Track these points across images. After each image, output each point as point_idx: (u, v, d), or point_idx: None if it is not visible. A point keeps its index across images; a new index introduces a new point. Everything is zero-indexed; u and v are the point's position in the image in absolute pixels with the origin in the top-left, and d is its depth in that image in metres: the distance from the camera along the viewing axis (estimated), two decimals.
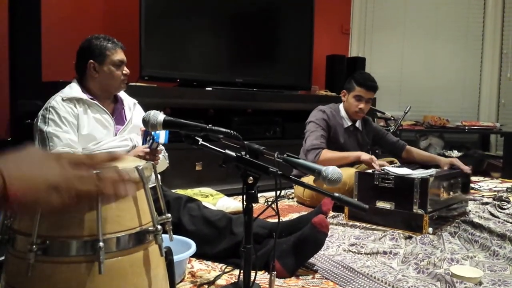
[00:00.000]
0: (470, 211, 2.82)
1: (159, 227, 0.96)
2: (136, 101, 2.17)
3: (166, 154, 2.16)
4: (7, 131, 2.86)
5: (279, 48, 4.10)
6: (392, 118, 4.03)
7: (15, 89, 2.65)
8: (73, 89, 1.97)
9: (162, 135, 1.75)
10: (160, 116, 1.34)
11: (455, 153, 4.71)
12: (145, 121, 1.34)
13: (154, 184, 1.09)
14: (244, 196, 1.37)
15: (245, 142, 1.43)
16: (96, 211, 0.87)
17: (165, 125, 1.33)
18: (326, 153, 2.89)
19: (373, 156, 2.82)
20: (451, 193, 2.62)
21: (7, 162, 0.65)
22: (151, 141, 1.76)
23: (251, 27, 3.86)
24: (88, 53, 1.97)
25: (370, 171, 2.62)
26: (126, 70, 2.01)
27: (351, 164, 3.05)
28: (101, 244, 0.85)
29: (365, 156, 2.84)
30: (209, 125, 1.37)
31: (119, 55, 1.99)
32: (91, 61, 1.96)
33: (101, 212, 0.86)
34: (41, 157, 0.71)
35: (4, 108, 2.75)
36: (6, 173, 0.63)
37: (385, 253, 2.06)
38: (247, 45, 3.83)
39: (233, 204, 2.75)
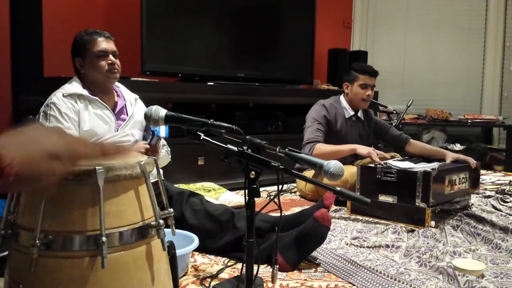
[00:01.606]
0: (472, 204, 2.81)
1: (161, 221, 0.97)
2: (137, 96, 2.16)
3: (169, 149, 2.16)
4: (9, 128, 2.87)
5: (281, 43, 4.09)
6: (395, 111, 4.02)
7: (17, 85, 2.65)
8: (74, 85, 1.97)
9: (162, 129, 1.75)
10: (162, 111, 1.34)
11: (458, 146, 4.70)
12: (147, 116, 1.34)
13: (156, 179, 1.09)
14: (246, 191, 1.37)
15: (247, 137, 1.42)
16: (99, 206, 0.87)
17: (167, 120, 1.33)
18: (320, 147, 2.88)
19: (371, 149, 2.79)
20: (455, 187, 2.62)
21: (2, 138, 0.63)
22: (151, 136, 1.76)
23: (252, 21, 3.85)
24: (74, 51, 1.98)
25: (372, 165, 2.62)
26: (111, 59, 1.95)
27: (354, 157, 3.04)
28: (104, 238, 0.86)
29: (361, 149, 2.80)
30: (211, 120, 1.36)
31: (100, 45, 1.94)
32: (77, 58, 1.96)
33: (104, 206, 0.87)
34: (41, 131, 0.70)
35: (6, 104, 2.76)
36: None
37: (387, 246, 2.06)
38: (249, 40, 3.82)
39: (235, 198, 2.76)
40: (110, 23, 3.38)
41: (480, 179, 3.87)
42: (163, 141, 1.85)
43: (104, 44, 1.95)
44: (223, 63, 3.68)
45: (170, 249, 1.06)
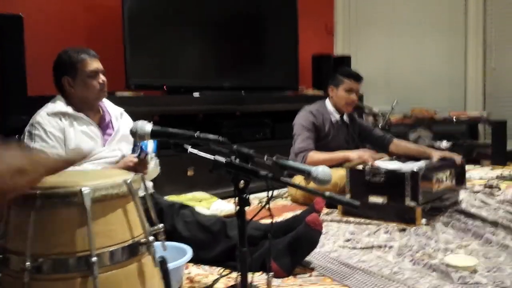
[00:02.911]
0: (462, 200, 2.85)
1: (151, 238, 0.97)
2: (123, 110, 2.16)
3: (158, 160, 2.15)
4: None
5: (265, 50, 4.12)
6: (380, 113, 4.06)
7: (1, 104, 2.63)
8: (57, 104, 1.96)
9: (150, 144, 1.75)
10: (147, 126, 1.34)
11: (445, 143, 4.76)
12: (133, 132, 1.34)
13: (144, 193, 1.09)
14: (236, 200, 1.37)
15: (235, 146, 1.43)
16: (87, 226, 0.87)
17: (153, 135, 1.33)
18: (313, 155, 2.91)
19: (361, 152, 2.81)
20: (442, 184, 2.65)
21: None
22: (139, 150, 1.76)
23: (236, 30, 3.86)
24: (60, 70, 1.95)
25: (360, 167, 2.64)
26: (102, 78, 1.97)
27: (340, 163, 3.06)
28: (94, 259, 0.86)
29: (353, 155, 2.82)
30: (197, 132, 1.37)
31: (92, 65, 1.94)
32: (65, 77, 1.94)
33: (92, 227, 0.87)
34: (3, 147, 0.73)
35: None
36: None
37: (380, 246, 2.08)
38: (233, 49, 3.83)
39: (227, 207, 2.76)
40: (93, 39, 3.37)
41: (468, 175, 3.92)
42: (151, 154, 1.85)
43: (95, 63, 1.96)
44: (208, 73, 3.69)
45: (163, 264, 1.06)
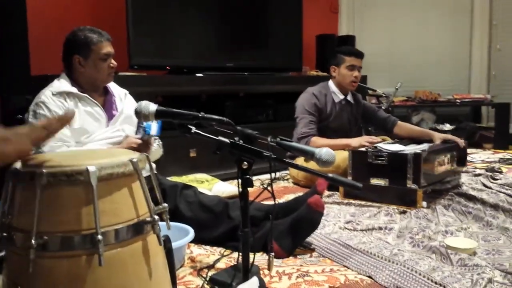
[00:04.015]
0: (463, 183, 2.86)
1: (156, 217, 0.98)
2: (127, 91, 2.16)
3: (161, 142, 2.16)
4: None
5: (268, 31, 4.07)
6: (384, 95, 4.04)
7: (4, 84, 2.63)
8: (62, 83, 1.95)
9: (154, 127, 1.75)
10: (151, 106, 1.34)
11: (447, 126, 4.75)
12: (137, 112, 1.34)
13: (149, 174, 1.10)
14: (240, 181, 1.38)
15: (238, 128, 1.43)
16: (93, 205, 0.88)
17: (157, 115, 1.34)
18: (316, 141, 2.92)
19: (362, 139, 2.81)
20: (444, 167, 2.65)
21: None
22: (142, 131, 1.76)
23: (239, 10, 3.82)
24: (73, 47, 1.94)
25: (363, 149, 2.64)
26: (113, 62, 1.98)
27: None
28: (99, 237, 0.87)
29: (354, 143, 2.80)
30: (201, 113, 1.37)
31: (105, 48, 1.95)
32: (76, 55, 1.93)
33: (98, 205, 0.88)
34: None
35: None
36: None
37: (380, 228, 2.10)
38: (237, 29, 3.80)
39: (228, 188, 2.77)
40: (96, 19, 3.35)
41: (470, 158, 3.92)
42: (154, 135, 1.85)
43: (109, 47, 1.96)
44: (212, 54, 3.66)
45: (166, 243, 1.08)
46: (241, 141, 1.39)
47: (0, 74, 2.64)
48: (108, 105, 2.04)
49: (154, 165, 2.15)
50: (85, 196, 0.88)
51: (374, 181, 2.52)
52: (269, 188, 1.40)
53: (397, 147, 2.61)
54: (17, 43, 2.63)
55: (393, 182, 2.47)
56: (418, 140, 2.90)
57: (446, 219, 2.24)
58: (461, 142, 2.85)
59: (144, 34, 3.21)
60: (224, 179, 3.05)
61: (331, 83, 3.17)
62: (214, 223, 1.92)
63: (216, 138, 1.38)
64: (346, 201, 2.58)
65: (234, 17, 3.78)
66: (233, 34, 3.79)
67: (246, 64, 3.78)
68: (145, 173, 1.02)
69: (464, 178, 2.96)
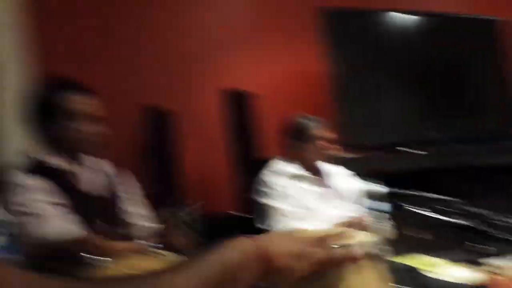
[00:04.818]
0: None
1: None
2: (338, 168, 2.23)
3: (391, 222, 2.12)
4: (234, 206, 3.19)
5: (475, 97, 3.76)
6: None
7: (239, 166, 3.02)
8: (280, 163, 2.15)
9: (383, 205, 1.73)
10: (382, 188, 1.34)
11: None
12: (368, 193, 1.36)
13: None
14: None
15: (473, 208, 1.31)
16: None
17: (390, 196, 1.33)
18: None
19: None
20: None
21: (267, 241, 0.76)
22: (372, 211, 1.76)
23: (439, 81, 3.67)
24: (295, 135, 2.17)
25: None
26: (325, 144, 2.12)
27: None
28: None
29: None
30: (433, 193, 1.31)
31: (320, 132, 2.13)
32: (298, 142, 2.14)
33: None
34: (282, 236, 0.84)
35: (229, 184, 3.12)
36: (270, 248, 0.74)
37: None
38: (448, 102, 3.62)
39: (469, 274, 2.44)
40: (304, 104, 3.55)
41: None
42: (384, 214, 1.83)
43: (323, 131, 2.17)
44: (420, 127, 3.53)
45: None
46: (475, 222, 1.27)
47: (234, 158, 3.05)
48: (322, 182, 2.15)
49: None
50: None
51: None
52: None
53: None
54: (246, 134, 3.04)
55: None
56: None
57: None
58: None
59: (350, 115, 3.26)
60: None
61: None
62: None
63: (453, 220, 1.29)
64: None
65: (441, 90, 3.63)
66: (442, 107, 3.63)
67: (458, 135, 3.55)
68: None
69: None
